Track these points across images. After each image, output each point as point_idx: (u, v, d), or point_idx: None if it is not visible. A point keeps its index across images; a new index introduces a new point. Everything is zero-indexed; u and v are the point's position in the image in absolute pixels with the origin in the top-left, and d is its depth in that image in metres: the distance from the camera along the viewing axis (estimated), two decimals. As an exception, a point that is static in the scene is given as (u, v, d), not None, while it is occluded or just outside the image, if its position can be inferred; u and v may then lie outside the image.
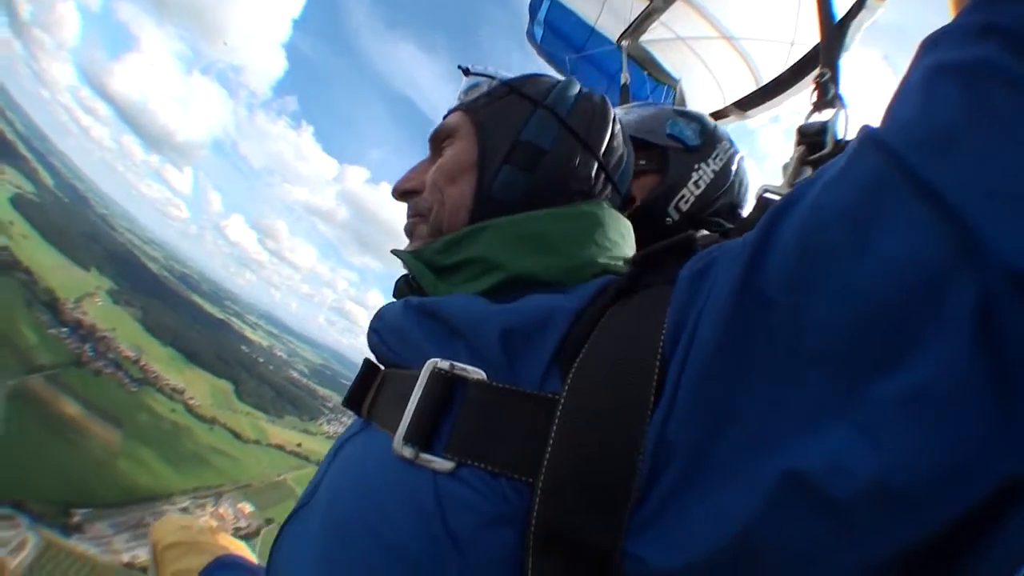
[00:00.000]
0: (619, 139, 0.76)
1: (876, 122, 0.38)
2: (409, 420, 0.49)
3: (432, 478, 0.46)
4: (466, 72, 0.80)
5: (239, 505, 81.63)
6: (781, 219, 0.38)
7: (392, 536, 0.44)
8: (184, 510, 70.31)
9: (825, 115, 0.84)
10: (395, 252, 0.72)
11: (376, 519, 0.46)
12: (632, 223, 0.78)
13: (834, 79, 0.86)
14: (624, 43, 2.13)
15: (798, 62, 1.72)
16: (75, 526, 56.59)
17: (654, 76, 2.23)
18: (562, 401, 0.43)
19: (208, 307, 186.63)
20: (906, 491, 0.29)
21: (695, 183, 1.00)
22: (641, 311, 0.46)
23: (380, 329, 0.65)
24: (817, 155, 0.78)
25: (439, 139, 0.76)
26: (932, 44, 0.37)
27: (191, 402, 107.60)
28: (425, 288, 0.66)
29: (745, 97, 2.00)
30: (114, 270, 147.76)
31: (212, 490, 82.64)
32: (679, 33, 2.12)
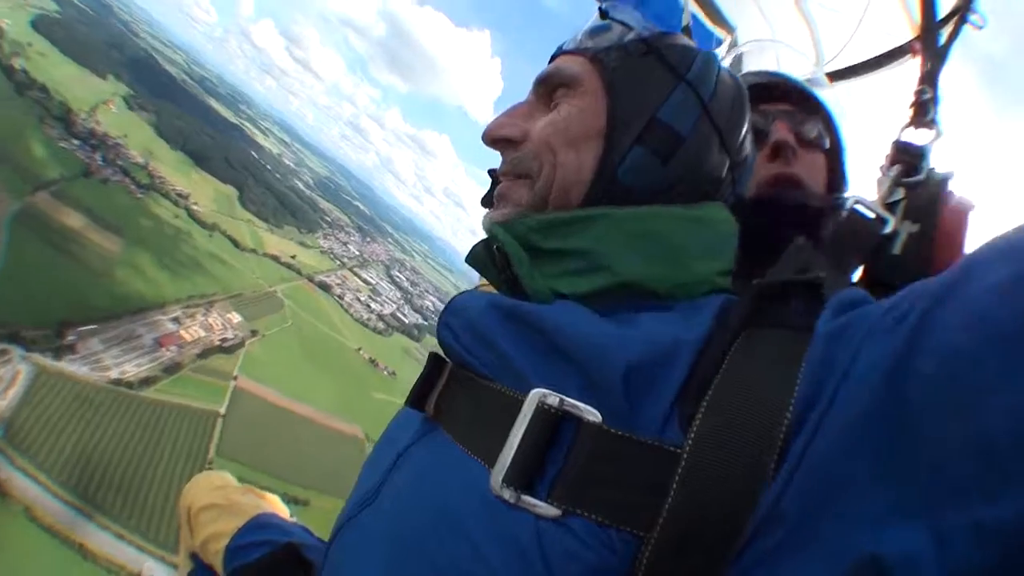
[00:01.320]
0: (750, 137, 0.69)
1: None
2: (511, 459, 0.47)
3: (534, 523, 0.44)
4: (603, 14, 0.69)
5: (227, 315, 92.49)
6: (934, 314, 0.38)
7: None
8: (175, 319, 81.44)
9: (921, 136, 0.80)
10: (489, 225, 0.64)
11: (466, 556, 0.45)
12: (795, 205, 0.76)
13: (934, 100, 0.82)
14: None
15: (890, 51, 1.55)
16: (67, 347, 59.59)
17: (709, 19, 1.95)
18: (685, 456, 0.42)
19: (223, 111, 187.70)
20: None
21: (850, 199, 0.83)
22: (771, 364, 0.44)
23: (455, 327, 0.60)
24: (911, 180, 0.75)
25: (552, 84, 0.67)
26: None
27: (194, 207, 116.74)
28: (519, 275, 0.59)
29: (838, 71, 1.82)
30: (132, 76, 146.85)
31: (204, 299, 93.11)
32: None
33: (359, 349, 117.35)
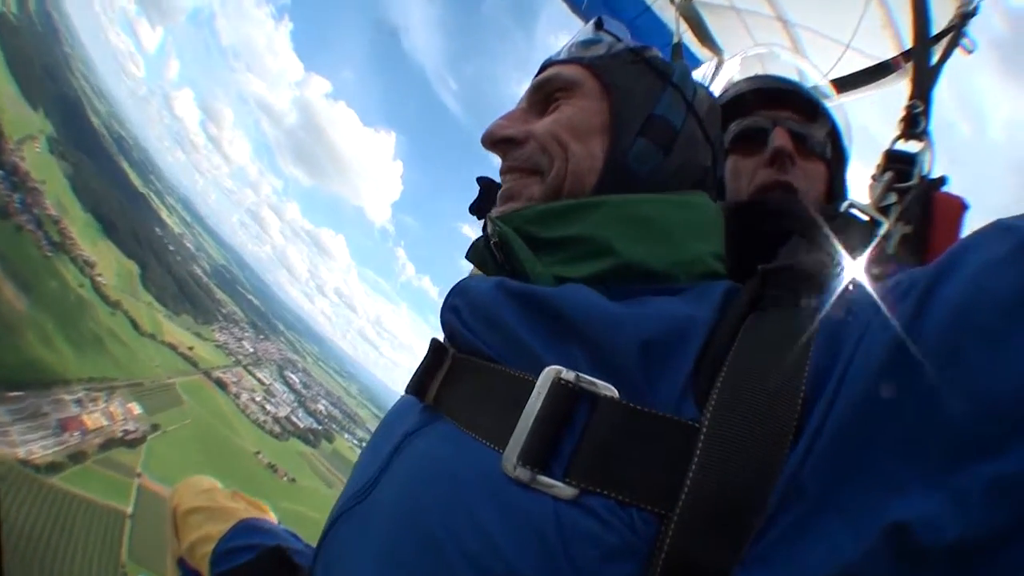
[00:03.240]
0: (722, 133, 0.75)
1: (1017, 218, 0.40)
2: (525, 438, 0.45)
3: (552, 504, 0.43)
4: (599, 25, 0.75)
5: (128, 404, 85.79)
6: (936, 288, 0.39)
7: (499, 565, 0.41)
8: (78, 401, 74.57)
9: (911, 146, 0.83)
10: (490, 218, 0.65)
11: (478, 543, 0.42)
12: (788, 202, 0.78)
13: (925, 113, 0.85)
14: (677, 0, 1.95)
15: (876, 65, 1.62)
16: None
17: (698, 39, 2.01)
18: (704, 430, 0.41)
19: (133, 177, 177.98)
20: (979, 547, 0.33)
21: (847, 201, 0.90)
22: (783, 340, 0.44)
23: (462, 308, 0.59)
24: (903, 185, 0.78)
25: (550, 88, 0.70)
26: None
27: (99, 279, 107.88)
28: (525, 266, 0.59)
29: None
30: (59, 115, 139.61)
31: (106, 383, 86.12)
32: (735, 3, 2.02)
33: (258, 453, 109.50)
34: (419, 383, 0.59)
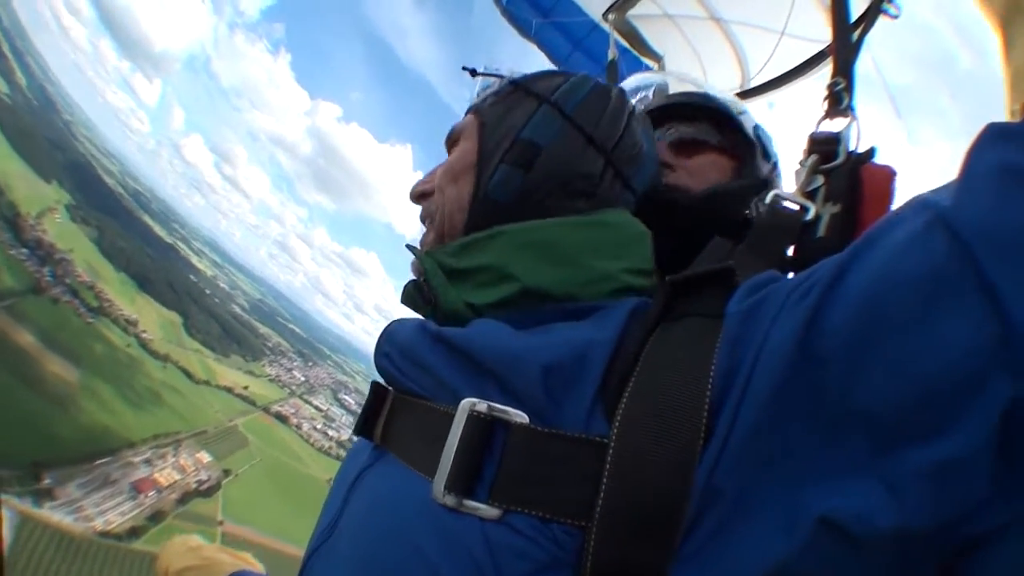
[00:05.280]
0: (636, 135, 0.72)
1: (934, 192, 0.40)
2: (450, 467, 0.48)
3: (479, 526, 0.45)
4: (472, 73, 0.78)
5: (197, 455, 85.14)
6: (843, 277, 0.39)
7: None
8: (147, 461, 73.60)
9: (836, 124, 0.82)
10: (410, 247, 0.70)
11: (422, 570, 0.45)
12: (684, 203, 0.78)
13: (848, 89, 0.85)
14: (610, 16, 1.98)
15: (810, 58, 1.66)
16: (45, 491, 55.78)
17: (636, 51, 2.09)
18: (612, 445, 0.43)
19: (157, 229, 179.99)
20: (917, 534, 0.33)
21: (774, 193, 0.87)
22: (688, 348, 0.45)
23: (392, 353, 0.62)
24: (829, 165, 0.76)
25: (451, 142, 0.75)
26: (1004, 137, 0.38)
27: (144, 336, 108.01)
28: (436, 292, 0.63)
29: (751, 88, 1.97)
30: (73, 183, 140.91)
31: (171, 437, 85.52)
32: (668, 10, 2.03)
33: (329, 479, 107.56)
34: (364, 424, 0.64)
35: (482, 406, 0.49)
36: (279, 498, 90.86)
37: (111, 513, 60.57)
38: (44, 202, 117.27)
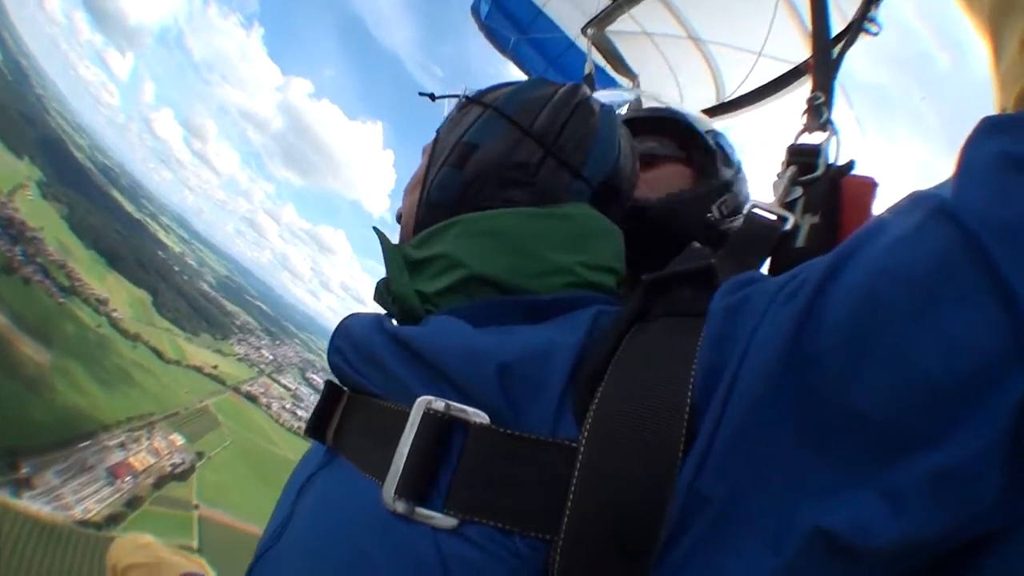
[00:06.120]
0: (588, 124, 0.70)
1: (927, 191, 0.38)
2: (401, 470, 0.45)
3: (432, 536, 0.42)
4: (432, 98, 0.81)
5: (170, 437, 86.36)
6: (837, 273, 0.37)
7: None
8: (122, 445, 74.69)
9: (815, 137, 0.84)
10: (377, 231, 0.71)
11: None
12: (651, 212, 0.78)
13: (827, 104, 0.86)
14: (589, 31, 1.97)
15: (784, 74, 1.68)
16: (24, 480, 55.68)
17: (612, 68, 2.07)
18: (582, 449, 0.40)
19: (126, 204, 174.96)
20: (918, 543, 0.31)
21: (738, 196, 0.93)
22: (667, 345, 0.42)
23: (345, 349, 0.60)
24: (808, 177, 0.76)
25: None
26: (1001, 128, 0.36)
27: (115, 315, 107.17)
28: (391, 280, 0.63)
29: (721, 104, 1.99)
30: (44, 159, 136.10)
31: (144, 419, 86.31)
32: (646, 28, 2.02)
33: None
34: (316, 426, 0.60)
35: (439, 404, 0.46)
36: (253, 480, 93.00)
37: (89, 500, 61.63)
38: (16, 179, 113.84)
